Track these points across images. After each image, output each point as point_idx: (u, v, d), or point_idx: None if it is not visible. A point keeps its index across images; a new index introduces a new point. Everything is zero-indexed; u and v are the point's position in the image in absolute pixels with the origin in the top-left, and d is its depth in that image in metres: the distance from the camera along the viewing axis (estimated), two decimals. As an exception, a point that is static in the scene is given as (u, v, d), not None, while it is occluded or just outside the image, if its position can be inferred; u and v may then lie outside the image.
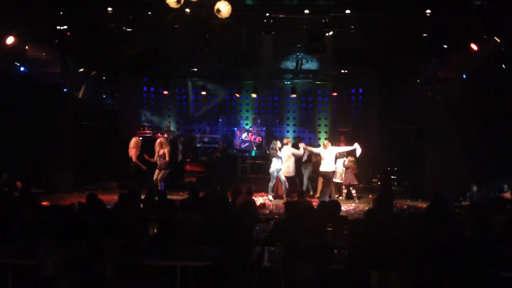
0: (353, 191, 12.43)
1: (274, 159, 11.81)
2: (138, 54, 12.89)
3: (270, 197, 11.81)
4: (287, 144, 12.01)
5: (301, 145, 12.10)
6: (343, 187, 12.63)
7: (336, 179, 12.19)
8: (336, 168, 11.94)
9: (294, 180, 11.93)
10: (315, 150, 12.15)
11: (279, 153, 11.77)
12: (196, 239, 5.72)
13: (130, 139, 13.36)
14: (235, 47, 13.28)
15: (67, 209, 6.65)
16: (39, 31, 11.30)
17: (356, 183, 12.48)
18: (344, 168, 12.28)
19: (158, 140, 11.81)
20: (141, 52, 12.85)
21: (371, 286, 4.63)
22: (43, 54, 12.12)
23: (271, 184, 11.91)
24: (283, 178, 11.81)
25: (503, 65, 11.61)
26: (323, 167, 11.70)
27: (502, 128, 12.49)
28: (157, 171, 11.64)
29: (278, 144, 11.87)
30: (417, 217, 6.86)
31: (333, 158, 11.72)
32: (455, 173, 12.85)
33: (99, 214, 6.15)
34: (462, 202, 11.18)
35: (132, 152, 12.16)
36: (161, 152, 11.55)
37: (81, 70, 13.46)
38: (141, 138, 13.58)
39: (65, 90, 13.23)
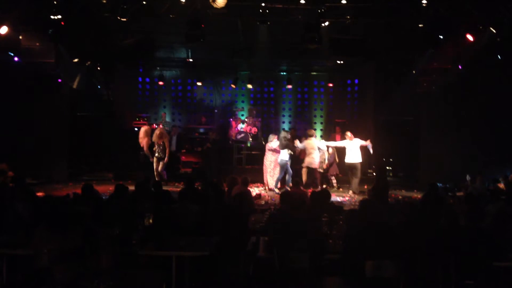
0: (334, 181, 12.85)
1: (283, 151, 11.82)
2: (133, 44, 12.80)
3: (276, 190, 11.78)
4: (312, 136, 12.12)
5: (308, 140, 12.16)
6: (331, 177, 12.82)
7: (320, 169, 12.31)
8: (316, 158, 12.01)
9: (314, 173, 11.96)
10: (340, 144, 12.30)
11: (299, 145, 11.89)
12: (192, 229, 5.73)
13: (127, 129, 13.39)
14: (231, 38, 13.23)
15: (62, 199, 6.66)
16: (33, 21, 11.20)
17: (338, 173, 12.80)
18: (327, 159, 12.51)
19: (158, 131, 11.82)
20: (135, 42, 12.76)
21: (366, 275, 4.65)
22: (37, 44, 12.01)
23: (279, 177, 11.93)
24: (290, 170, 11.91)
25: (499, 56, 11.61)
26: (350, 159, 11.92)
27: (497, 119, 12.54)
28: (157, 161, 11.69)
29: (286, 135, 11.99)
30: (412, 207, 6.89)
31: (358, 149, 11.92)
32: (450, 163, 12.92)
33: (95, 205, 6.15)
34: (457, 192, 11.24)
35: (144, 142, 12.07)
36: (160, 142, 11.61)
37: (76, 60, 13.37)
38: (151, 127, 13.49)
39: (59, 80, 13.15)
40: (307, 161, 11.82)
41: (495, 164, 12.59)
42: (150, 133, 12.33)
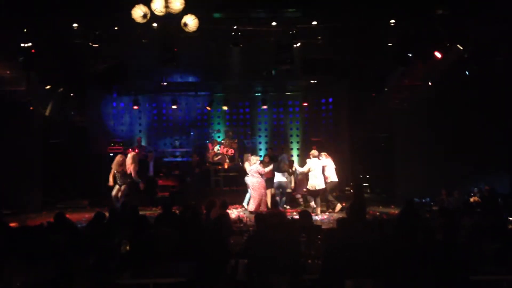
0: (301, 200, 12.97)
1: (278, 174, 11.93)
2: (106, 69, 12.74)
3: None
4: (316, 156, 12.03)
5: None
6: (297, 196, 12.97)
7: (288, 189, 12.40)
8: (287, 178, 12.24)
9: (323, 193, 12.03)
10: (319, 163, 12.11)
11: (299, 169, 12.10)
12: (170, 254, 5.64)
13: (102, 155, 13.16)
14: (205, 60, 13.30)
15: (36, 229, 6.49)
16: (3, 49, 11.07)
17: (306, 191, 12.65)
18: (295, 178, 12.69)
19: (119, 158, 11.56)
20: (108, 67, 12.70)
21: (345, 294, 4.65)
22: (8, 72, 11.88)
23: (281, 199, 12.04)
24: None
25: (467, 72, 11.92)
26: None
27: (469, 133, 12.80)
28: (117, 187, 11.42)
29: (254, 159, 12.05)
30: (389, 223, 6.93)
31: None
32: (426, 178, 13.09)
33: (69, 234, 6.02)
34: (433, 206, 11.38)
35: (132, 168, 11.71)
36: (119, 169, 11.34)
37: (48, 87, 13.23)
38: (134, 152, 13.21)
39: (31, 108, 12.96)
40: (314, 183, 11.76)
41: (470, 178, 12.82)
42: (137, 159, 12.04)
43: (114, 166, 11.36)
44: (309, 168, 11.88)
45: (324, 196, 12.14)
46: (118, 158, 11.53)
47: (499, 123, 12.61)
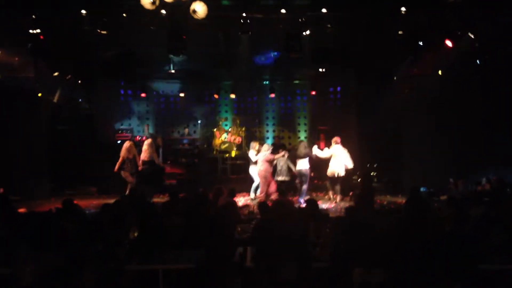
0: None
1: (301, 161, 11.63)
2: (114, 57, 12.73)
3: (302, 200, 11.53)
4: (337, 143, 11.87)
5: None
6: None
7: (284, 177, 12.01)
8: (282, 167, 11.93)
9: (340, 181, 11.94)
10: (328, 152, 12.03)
11: (320, 154, 11.82)
12: (178, 242, 5.67)
13: (110, 142, 13.18)
14: (213, 48, 13.23)
15: (45, 216, 6.53)
16: (11, 36, 11.07)
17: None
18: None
19: (128, 144, 11.57)
20: (116, 54, 12.68)
21: (353, 283, 4.65)
22: (16, 59, 11.88)
23: (301, 187, 11.76)
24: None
25: (478, 61, 11.79)
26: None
27: (479, 123, 12.70)
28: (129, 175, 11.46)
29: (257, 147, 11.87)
30: (397, 213, 6.92)
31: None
32: (434, 168, 13.02)
33: (77, 220, 6.05)
34: (441, 196, 11.32)
35: (150, 153, 11.60)
36: (130, 156, 11.36)
37: (56, 74, 13.23)
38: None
39: (39, 94, 12.99)
40: (341, 169, 11.68)
41: (478, 168, 12.73)
42: (153, 145, 11.96)
43: (123, 152, 11.35)
44: (332, 154, 11.75)
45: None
46: (127, 144, 11.54)
47: (508, 115, 12.47)
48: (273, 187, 11.53)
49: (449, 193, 11.12)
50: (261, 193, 11.48)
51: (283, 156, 11.78)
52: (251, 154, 11.97)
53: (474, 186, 11.68)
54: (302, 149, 11.70)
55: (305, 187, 11.74)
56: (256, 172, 11.78)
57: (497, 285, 4.96)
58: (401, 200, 11.68)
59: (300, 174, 11.70)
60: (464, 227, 5.46)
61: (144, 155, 11.36)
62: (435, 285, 4.83)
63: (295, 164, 11.73)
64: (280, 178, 11.79)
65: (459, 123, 12.98)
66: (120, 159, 11.32)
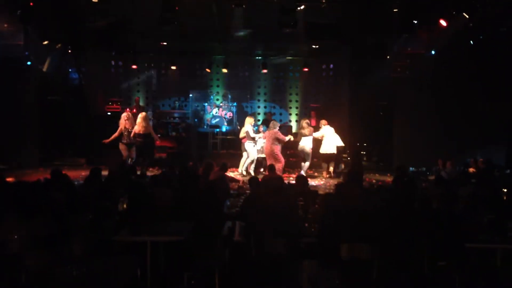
0: None
1: (305, 138, 11.68)
2: (105, 26, 12.50)
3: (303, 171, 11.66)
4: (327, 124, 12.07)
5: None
6: None
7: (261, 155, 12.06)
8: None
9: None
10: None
11: (314, 134, 11.86)
12: (167, 214, 5.68)
13: (100, 114, 13.10)
14: (206, 21, 13.04)
15: (33, 185, 6.50)
16: (0, 2, 10.82)
17: None
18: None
19: (127, 115, 11.50)
20: (108, 24, 12.45)
21: (341, 258, 4.70)
22: (5, 25, 11.64)
23: (308, 164, 11.85)
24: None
25: (471, 41, 11.77)
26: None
27: (469, 105, 12.75)
28: (127, 147, 11.38)
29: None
30: (386, 191, 6.97)
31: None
32: (423, 148, 13.11)
33: (67, 190, 6.03)
34: (429, 176, 11.43)
35: (146, 127, 11.36)
36: (129, 127, 11.30)
37: (45, 42, 13.01)
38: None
39: (28, 63, 12.79)
40: (331, 148, 11.90)
41: (467, 149, 12.85)
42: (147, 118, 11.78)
43: (123, 123, 11.23)
44: (323, 135, 11.93)
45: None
46: (126, 115, 11.42)
47: (498, 96, 12.52)
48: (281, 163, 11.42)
49: (437, 173, 11.22)
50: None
51: (290, 140, 11.74)
52: (249, 128, 11.84)
53: (462, 167, 11.79)
54: (306, 126, 11.73)
55: (307, 164, 11.83)
56: (253, 148, 11.76)
57: (481, 263, 5.05)
58: (389, 179, 11.76)
59: (304, 152, 11.74)
60: (452, 206, 5.51)
61: (138, 128, 11.26)
62: (421, 262, 4.90)
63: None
64: (262, 155, 11.88)
65: (449, 104, 13.02)
66: (118, 130, 11.22)
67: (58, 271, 3.81)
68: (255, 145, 11.85)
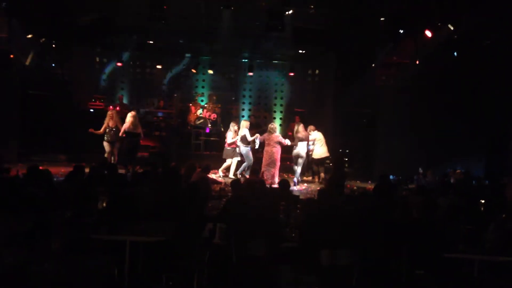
0: None
1: (301, 143, 11.63)
2: (91, 22, 12.37)
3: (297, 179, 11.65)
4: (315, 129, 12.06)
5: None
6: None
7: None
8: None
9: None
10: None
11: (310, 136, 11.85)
12: (147, 214, 5.62)
13: (82, 110, 12.96)
14: (194, 21, 13.01)
15: (11, 180, 6.39)
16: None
17: None
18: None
19: (112, 113, 11.44)
20: (94, 20, 12.33)
21: (321, 263, 4.71)
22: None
23: (299, 170, 11.78)
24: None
25: (455, 53, 11.92)
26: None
27: (451, 114, 12.90)
28: (110, 145, 11.31)
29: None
30: (366, 198, 7.01)
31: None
32: (405, 156, 13.22)
33: (46, 187, 5.93)
34: (410, 185, 11.53)
35: (131, 125, 11.30)
36: (113, 125, 11.25)
37: (30, 36, 12.81)
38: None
39: (11, 56, 12.57)
40: (321, 152, 11.99)
41: (448, 158, 12.99)
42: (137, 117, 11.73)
43: (108, 120, 11.20)
44: (315, 139, 11.98)
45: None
46: (111, 112, 11.42)
47: (479, 107, 12.69)
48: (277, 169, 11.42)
49: (418, 182, 11.33)
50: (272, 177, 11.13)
51: (288, 144, 11.71)
52: (246, 132, 11.66)
53: (441, 177, 11.92)
54: (302, 131, 11.71)
55: (298, 169, 11.79)
56: (250, 152, 11.68)
57: (459, 273, 5.10)
58: (370, 186, 11.84)
59: (299, 156, 11.69)
60: (432, 215, 5.57)
61: (127, 126, 11.20)
62: (400, 270, 4.94)
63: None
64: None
65: (432, 114, 13.16)
66: (103, 127, 11.15)
67: (36, 269, 3.74)
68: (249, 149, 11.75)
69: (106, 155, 11.23)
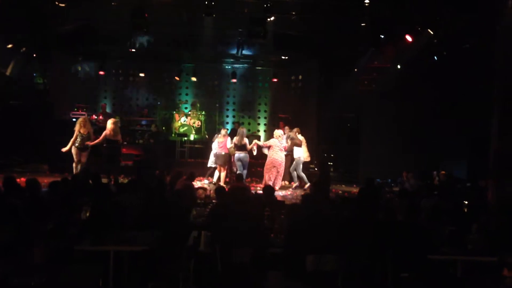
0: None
1: (297, 148, 11.70)
2: (72, 31, 12.28)
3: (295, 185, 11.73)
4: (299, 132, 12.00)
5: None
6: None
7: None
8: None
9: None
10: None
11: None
12: (132, 223, 5.58)
13: (64, 120, 12.82)
14: (176, 29, 13.00)
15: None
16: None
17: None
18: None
19: (83, 120, 11.14)
20: (75, 29, 12.24)
21: (306, 269, 4.70)
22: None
23: (296, 174, 11.78)
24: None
25: (435, 57, 12.08)
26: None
27: (433, 118, 13.06)
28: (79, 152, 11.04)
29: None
30: (351, 202, 7.04)
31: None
32: (388, 160, 13.34)
33: (27, 197, 5.86)
34: (394, 188, 11.63)
35: (117, 133, 11.31)
36: (84, 132, 10.99)
37: (10, 46, 12.67)
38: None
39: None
40: (305, 155, 11.93)
41: (431, 161, 13.13)
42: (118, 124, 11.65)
43: (79, 127, 10.87)
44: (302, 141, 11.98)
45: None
46: (81, 119, 11.12)
47: (461, 110, 12.86)
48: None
49: (402, 185, 11.43)
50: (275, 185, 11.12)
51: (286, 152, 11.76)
52: (246, 139, 11.65)
53: (424, 180, 12.04)
54: (296, 137, 11.75)
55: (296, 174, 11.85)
56: (246, 160, 11.59)
57: (443, 274, 5.14)
58: (355, 190, 11.91)
59: (299, 162, 11.75)
60: (416, 217, 5.62)
61: (107, 132, 11.04)
62: (385, 273, 4.96)
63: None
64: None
65: (414, 117, 13.31)
66: (75, 135, 10.92)
67: (17, 281, 3.67)
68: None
69: (75, 162, 10.93)
